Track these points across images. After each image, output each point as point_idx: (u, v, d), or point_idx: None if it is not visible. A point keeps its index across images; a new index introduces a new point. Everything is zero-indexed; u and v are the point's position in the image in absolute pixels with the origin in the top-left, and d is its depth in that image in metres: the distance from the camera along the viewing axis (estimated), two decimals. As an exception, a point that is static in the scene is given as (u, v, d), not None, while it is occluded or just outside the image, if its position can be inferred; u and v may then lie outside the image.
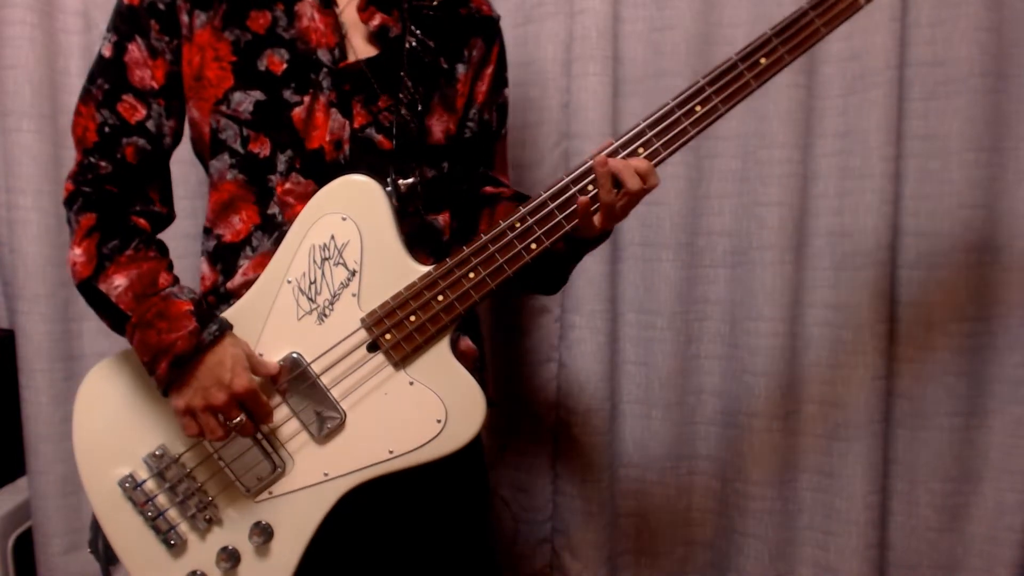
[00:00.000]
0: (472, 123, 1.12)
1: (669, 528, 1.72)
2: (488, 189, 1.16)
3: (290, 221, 1.00)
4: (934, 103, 1.56)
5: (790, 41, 0.94)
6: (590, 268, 1.61)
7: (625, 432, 1.70)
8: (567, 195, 0.96)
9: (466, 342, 1.11)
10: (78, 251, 0.99)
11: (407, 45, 1.03)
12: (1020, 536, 1.58)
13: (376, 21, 1.02)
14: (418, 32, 1.04)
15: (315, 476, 1.00)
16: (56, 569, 1.69)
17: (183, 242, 1.50)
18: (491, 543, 1.17)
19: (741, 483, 1.65)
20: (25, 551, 1.71)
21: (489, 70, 1.12)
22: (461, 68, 1.08)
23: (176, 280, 1.01)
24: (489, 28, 1.12)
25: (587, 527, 1.67)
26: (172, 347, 0.94)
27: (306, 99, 1.00)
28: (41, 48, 1.57)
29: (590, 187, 0.96)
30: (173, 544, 1.01)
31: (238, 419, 0.95)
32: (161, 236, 1.08)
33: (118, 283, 0.97)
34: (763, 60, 0.93)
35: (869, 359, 1.58)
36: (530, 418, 1.72)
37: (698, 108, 0.94)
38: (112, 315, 0.99)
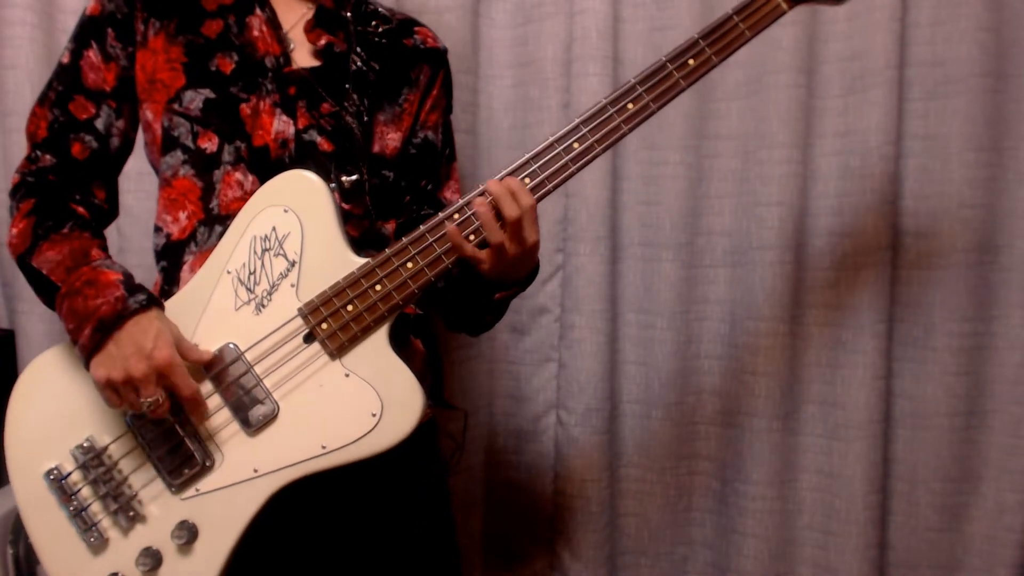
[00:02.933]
0: (417, 140, 1.16)
1: (669, 528, 1.72)
2: None
3: (231, 215, 1.01)
4: (934, 103, 1.56)
5: (717, 43, 1.00)
6: (590, 268, 1.61)
7: (625, 432, 1.70)
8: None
9: (416, 342, 1.12)
10: (15, 231, 1.02)
11: (353, 66, 1.07)
12: (1020, 536, 1.59)
13: (323, 41, 1.07)
14: (363, 54, 1.09)
15: (244, 472, 0.96)
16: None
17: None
18: (451, 549, 1.14)
19: (741, 483, 1.65)
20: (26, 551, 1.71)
21: (434, 92, 1.17)
22: (407, 89, 1.13)
23: (108, 256, 1.02)
24: (435, 57, 1.17)
25: (587, 527, 1.67)
26: (96, 311, 0.93)
27: (253, 98, 1.03)
28: (41, 48, 1.56)
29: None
30: (94, 542, 0.97)
31: (154, 397, 0.93)
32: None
33: (51, 257, 0.99)
34: (691, 61, 1.00)
35: (869, 359, 1.58)
36: (530, 418, 1.72)
37: (630, 106, 0.99)
38: (44, 288, 1.00)
